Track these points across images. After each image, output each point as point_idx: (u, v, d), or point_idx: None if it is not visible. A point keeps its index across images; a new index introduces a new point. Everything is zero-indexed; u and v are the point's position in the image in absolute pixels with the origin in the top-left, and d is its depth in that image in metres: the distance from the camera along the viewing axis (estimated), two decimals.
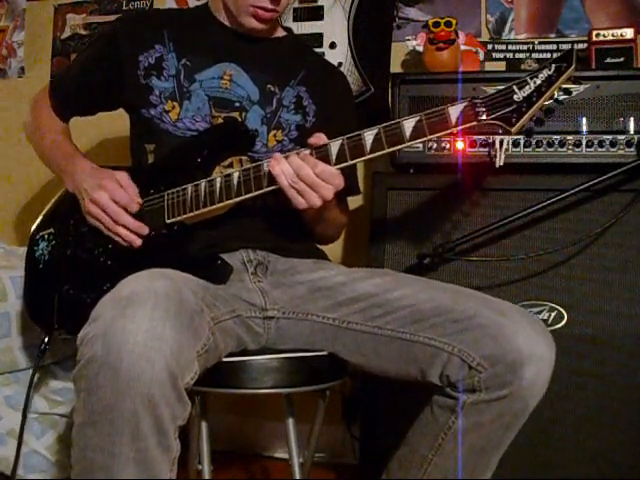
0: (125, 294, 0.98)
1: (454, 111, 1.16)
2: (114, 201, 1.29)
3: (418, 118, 1.17)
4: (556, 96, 1.17)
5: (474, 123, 1.16)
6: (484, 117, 1.16)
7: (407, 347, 1.18)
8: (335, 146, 1.19)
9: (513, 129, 1.15)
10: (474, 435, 1.13)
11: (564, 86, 1.17)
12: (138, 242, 1.29)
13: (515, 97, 1.15)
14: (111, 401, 0.91)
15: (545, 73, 1.15)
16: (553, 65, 1.15)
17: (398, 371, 1.21)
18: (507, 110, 1.15)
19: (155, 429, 0.93)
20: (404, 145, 1.18)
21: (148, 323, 0.94)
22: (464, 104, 1.16)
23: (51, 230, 1.44)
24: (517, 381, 1.07)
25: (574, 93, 1.55)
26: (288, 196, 1.20)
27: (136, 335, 0.92)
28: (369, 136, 1.18)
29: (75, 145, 1.48)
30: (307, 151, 1.21)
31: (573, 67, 1.15)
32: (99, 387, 0.92)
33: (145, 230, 1.29)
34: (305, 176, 1.18)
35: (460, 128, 1.16)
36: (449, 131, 1.17)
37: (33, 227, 1.50)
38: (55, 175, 1.49)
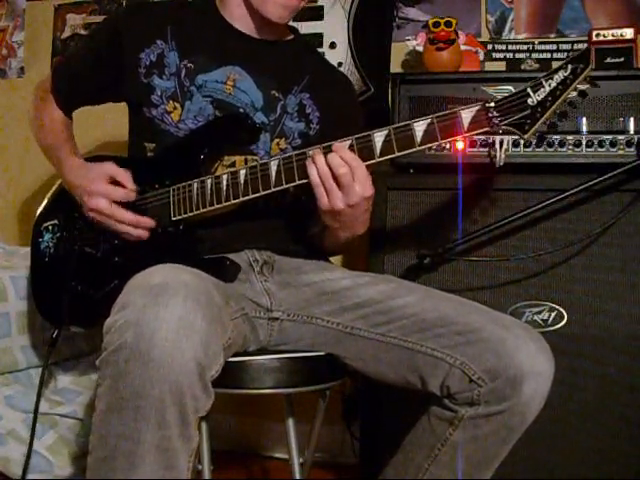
0: (155, 282, 0.97)
1: (466, 115, 1.12)
2: (113, 201, 1.29)
3: (429, 121, 1.13)
4: (572, 96, 1.13)
5: (487, 129, 1.12)
6: (497, 122, 1.12)
7: (409, 356, 1.18)
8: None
9: (526, 136, 1.12)
10: (471, 448, 1.13)
11: (580, 88, 1.12)
12: (145, 235, 1.29)
13: (529, 101, 1.11)
14: (139, 388, 0.91)
15: (561, 74, 1.11)
16: (569, 66, 1.11)
17: (398, 378, 1.22)
18: (521, 116, 1.11)
19: (180, 419, 0.93)
20: (414, 150, 1.14)
21: (181, 311, 0.93)
22: (477, 108, 1.12)
23: (55, 222, 1.44)
24: (516, 396, 1.08)
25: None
26: (315, 193, 1.15)
27: (169, 322, 0.92)
28: (379, 138, 1.14)
29: (68, 138, 1.47)
30: (346, 143, 1.15)
31: (589, 68, 1.11)
32: (128, 373, 0.91)
33: (150, 223, 1.29)
34: (342, 175, 1.12)
35: (472, 134, 1.13)
36: (461, 136, 1.13)
37: (39, 209, 1.50)
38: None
